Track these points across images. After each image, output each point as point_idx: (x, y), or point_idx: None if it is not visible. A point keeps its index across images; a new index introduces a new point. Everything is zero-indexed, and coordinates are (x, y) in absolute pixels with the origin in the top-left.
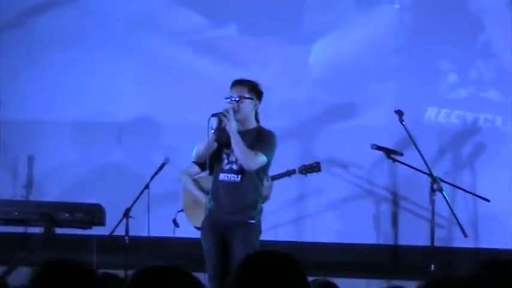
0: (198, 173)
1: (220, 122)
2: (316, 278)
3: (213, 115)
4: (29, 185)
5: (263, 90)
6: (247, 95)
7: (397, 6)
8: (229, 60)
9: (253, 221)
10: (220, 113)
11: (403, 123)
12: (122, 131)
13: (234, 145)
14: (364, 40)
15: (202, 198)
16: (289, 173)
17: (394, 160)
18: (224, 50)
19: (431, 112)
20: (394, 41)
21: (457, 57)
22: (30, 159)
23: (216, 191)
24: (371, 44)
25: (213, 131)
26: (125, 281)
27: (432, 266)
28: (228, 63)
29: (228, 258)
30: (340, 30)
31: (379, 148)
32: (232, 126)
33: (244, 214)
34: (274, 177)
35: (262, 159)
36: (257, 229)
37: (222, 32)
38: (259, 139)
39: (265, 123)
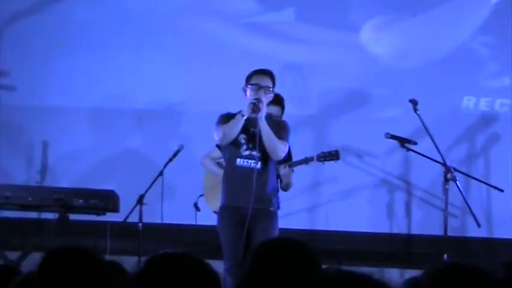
0: (220, 157)
1: (255, 108)
2: (329, 266)
3: (251, 102)
4: (43, 170)
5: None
6: (272, 87)
7: None
8: (256, 51)
9: (273, 209)
10: (258, 99)
11: (417, 112)
12: (137, 118)
13: (264, 135)
14: (400, 32)
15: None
16: (307, 160)
17: (408, 149)
18: (258, 37)
19: (444, 102)
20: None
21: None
22: (45, 145)
23: (233, 177)
24: (406, 37)
25: (242, 116)
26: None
27: (445, 255)
28: (255, 55)
29: (247, 246)
30: (373, 22)
31: (393, 137)
32: (263, 115)
33: (266, 201)
34: (292, 164)
35: (286, 147)
36: (277, 216)
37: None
38: (280, 128)
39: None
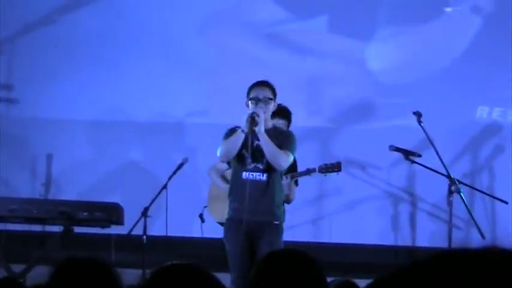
0: (227, 169)
1: (252, 122)
2: (334, 278)
3: (250, 115)
4: (47, 183)
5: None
6: (272, 97)
7: (448, 9)
8: (256, 61)
9: (277, 222)
10: (254, 113)
11: (422, 124)
12: (141, 130)
13: (264, 146)
14: (420, 44)
15: (227, 188)
16: (309, 172)
17: (412, 161)
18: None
19: (448, 113)
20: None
21: None
22: (49, 158)
23: (240, 190)
24: (427, 48)
25: (242, 131)
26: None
27: None
28: (255, 64)
29: (252, 258)
30: (395, 32)
31: (397, 149)
32: (262, 128)
33: (270, 214)
34: (294, 176)
35: (290, 158)
36: (281, 229)
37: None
38: (284, 138)
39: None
